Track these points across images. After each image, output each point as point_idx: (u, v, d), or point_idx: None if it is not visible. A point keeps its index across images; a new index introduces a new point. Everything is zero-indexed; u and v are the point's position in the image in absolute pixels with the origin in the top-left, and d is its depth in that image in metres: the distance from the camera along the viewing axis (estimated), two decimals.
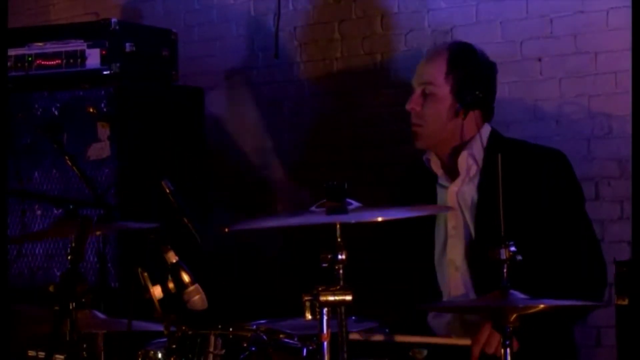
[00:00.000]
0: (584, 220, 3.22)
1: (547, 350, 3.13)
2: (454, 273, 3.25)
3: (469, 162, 3.25)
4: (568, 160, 3.25)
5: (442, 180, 3.32)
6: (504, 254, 2.49)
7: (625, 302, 3.04)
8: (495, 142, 3.26)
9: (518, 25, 4.12)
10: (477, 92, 3.24)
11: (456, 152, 3.27)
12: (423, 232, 3.30)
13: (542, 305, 2.47)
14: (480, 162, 3.24)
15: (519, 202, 3.07)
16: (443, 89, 3.25)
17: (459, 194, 3.26)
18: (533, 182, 3.16)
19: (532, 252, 2.77)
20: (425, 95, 3.27)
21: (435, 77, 3.26)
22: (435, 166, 3.32)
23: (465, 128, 3.25)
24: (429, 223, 3.30)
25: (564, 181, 3.21)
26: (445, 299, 3.26)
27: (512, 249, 2.49)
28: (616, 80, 3.90)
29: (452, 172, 3.29)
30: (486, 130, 3.29)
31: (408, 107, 3.29)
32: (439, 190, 3.32)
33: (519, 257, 2.49)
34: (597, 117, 3.95)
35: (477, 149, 3.25)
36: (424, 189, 3.34)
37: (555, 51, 4.04)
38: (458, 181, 3.27)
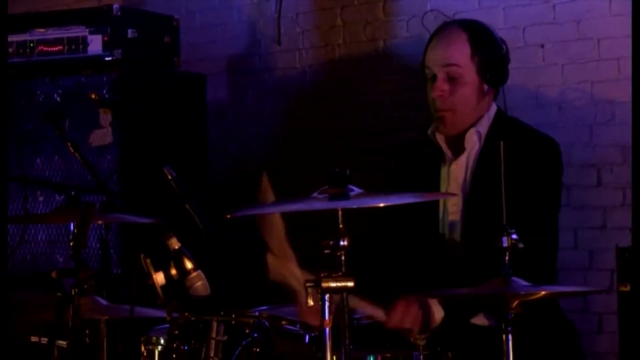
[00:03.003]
0: (549, 218, 3.14)
1: (543, 338, 3.12)
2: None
3: (474, 140, 3.22)
4: (559, 152, 3.21)
5: (447, 155, 3.28)
6: (505, 242, 2.49)
7: (627, 289, 3.05)
8: (499, 122, 3.24)
9: (521, 11, 4.10)
10: (503, 71, 3.23)
11: (465, 130, 3.23)
12: (428, 213, 3.25)
13: (543, 292, 2.48)
14: (482, 140, 3.22)
15: (505, 185, 3.02)
16: (470, 71, 3.20)
17: (458, 170, 3.23)
18: (519, 168, 3.03)
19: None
20: (450, 79, 3.20)
21: (460, 59, 3.20)
22: (441, 140, 3.27)
23: (487, 107, 3.24)
24: (434, 204, 3.26)
25: (544, 172, 3.16)
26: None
27: (514, 237, 2.48)
28: (619, 67, 3.89)
29: (456, 148, 3.25)
30: (493, 108, 3.27)
31: (435, 94, 3.20)
32: (442, 167, 3.28)
33: (521, 246, 2.48)
34: (599, 103, 3.95)
35: (484, 127, 3.23)
36: (428, 165, 3.29)
37: (558, 37, 4.03)
38: (462, 158, 3.23)
